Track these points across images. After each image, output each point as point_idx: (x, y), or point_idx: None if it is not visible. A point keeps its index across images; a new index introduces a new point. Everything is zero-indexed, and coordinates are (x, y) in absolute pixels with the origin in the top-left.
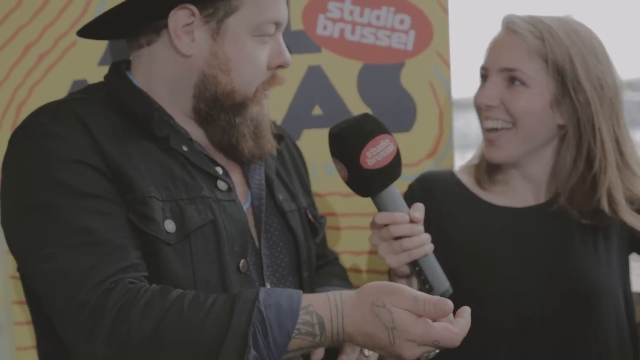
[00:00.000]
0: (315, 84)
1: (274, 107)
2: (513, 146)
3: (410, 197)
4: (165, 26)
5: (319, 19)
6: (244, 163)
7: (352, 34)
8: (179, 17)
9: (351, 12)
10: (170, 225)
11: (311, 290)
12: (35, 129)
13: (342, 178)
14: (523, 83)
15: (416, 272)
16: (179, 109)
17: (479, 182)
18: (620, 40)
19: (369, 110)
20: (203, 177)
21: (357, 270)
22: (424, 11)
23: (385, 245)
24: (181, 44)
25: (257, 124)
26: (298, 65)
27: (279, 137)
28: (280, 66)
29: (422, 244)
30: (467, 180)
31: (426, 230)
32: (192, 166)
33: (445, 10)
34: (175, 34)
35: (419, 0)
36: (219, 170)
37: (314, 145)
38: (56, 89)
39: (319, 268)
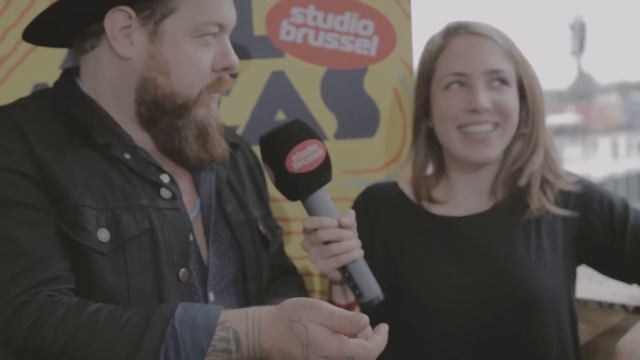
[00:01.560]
0: (279, 89)
1: (237, 112)
2: (500, 144)
3: (356, 208)
4: (104, 30)
5: (282, 24)
6: (194, 169)
7: (316, 40)
8: (115, 20)
9: (314, 18)
10: (103, 235)
11: (259, 302)
12: None
13: (272, 182)
14: (506, 83)
15: (346, 277)
16: (124, 113)
17: (421, 194)
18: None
19: (332, 116)
20: (144, 185)
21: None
22: (387, 17)
23: (315, 250)
24: (119, 47)
25: (202, 128)
26: (261, 70)
27: (234, 145)
28: (226, 69)
29: (351, 249)
30: (410, 192)
31: (371, 243)
32: (133, 174)
33: (408, 16)
34: (112, 36)
35: (383, 7)
36: (165, 178)
37: None
38: (17, 92)
39: (275, 278)
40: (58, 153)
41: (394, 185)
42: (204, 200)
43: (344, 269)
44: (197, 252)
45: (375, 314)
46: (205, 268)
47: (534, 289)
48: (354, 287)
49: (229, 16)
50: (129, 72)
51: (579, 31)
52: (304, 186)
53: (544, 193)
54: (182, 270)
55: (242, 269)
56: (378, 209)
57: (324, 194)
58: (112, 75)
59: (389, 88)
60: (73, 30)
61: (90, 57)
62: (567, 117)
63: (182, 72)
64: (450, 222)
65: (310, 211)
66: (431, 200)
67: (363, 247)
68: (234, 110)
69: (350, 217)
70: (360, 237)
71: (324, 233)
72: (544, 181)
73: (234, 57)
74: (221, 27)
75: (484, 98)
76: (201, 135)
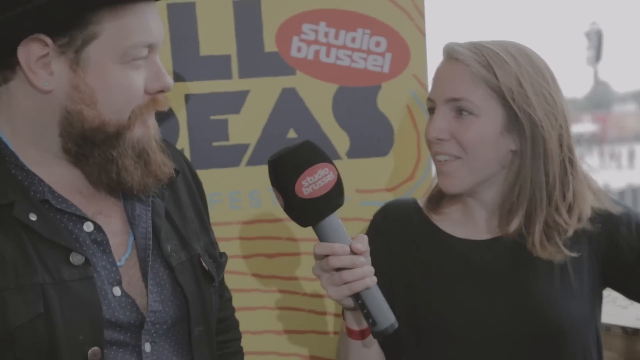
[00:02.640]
0: (290, 107)
1: (247, 131)
2: (463, 174)
3: (374, 228)
4: (19, 61)
5: (293, 41)
6: (124, 197)
7: (327, 56)
8: (30, 50)
9: (326, 34)
10: None
11: (206, 345)
12: None
13: (281, 207)
14: (471, 112)
15: (359, 305)
16: (47, 151)
17: (437, 212)
18: None
19: (345, 134)
20: (50, 252)
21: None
22: (400, 33)
23: (327, 277)
24: (37, 79)
25: (141, 149)
26: (272, 87)
27: (175, 171)
28: (161, 91)
29: (364, 276)
30: (428, 209)
31: (388, 262)
32: (39, 238)
33: (422, 32)
34: (29, 68)
35: (396, 23)
36: (89, 227)
37: None
38: None
39: (217, 334)
40: None
41: (413, 203)
42: (139, 242)
43: (356, 296)
44: (130, 302)
45: (392, 340)
46: (140, 318)
47: (559, 317)
48: (367, 315)
49: (158, 35)
50: (49, 106)
51: (595, 39)
52: (314, 212)
53: (551, 239)
54: (92, 349)
55: (185, 313)
56: (397, 228)
57: (336, 219)
58: (30, 111)
59: (402, 106)
60: None
61: (4, 91)
62: (584, 127)
63: (111, 99)
64: (471, 245)
65: (321, 237)
66: (449, 220)
67: (382, 267)
68: (244, 128)
69: (363, 243)
70: (379, 256)
71: (335, 260)
72: (549, 227)
73: (167, 78)
74: (151, 47)
75: (438, 127)
76: (141, 158)
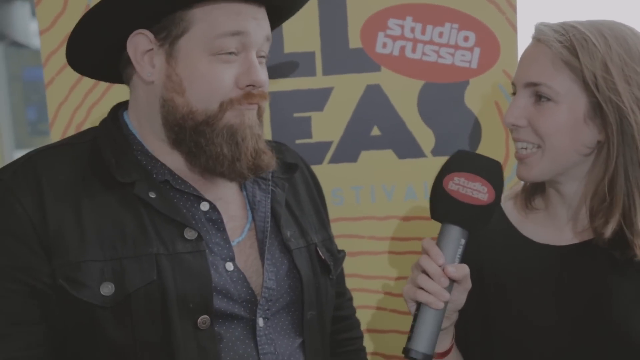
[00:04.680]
0: (374, 104)
1: (330, 127)
2: (542, 165)
3: None
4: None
5: (378, 37)
6: (243, 181)
7: (413, 52)
8: (137, 44)
9: (412, 29)
10: (107, 289)
11: (318, 331)
12: None
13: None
14: (550, 99)
15: (414, 315)
16: (161, 140)
17: (519, 209)
18: None
19: (430, 132)
20: (167, 227)
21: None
22: (490, 27)
23: (414, 274)
24: (143, 71)
25: (231, 134)
26: (356, 84)
27: (293, 166)
28: (252, 85)
29: (435, 293)
30: (510, 209)
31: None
32: (157, 214)
33: (513, 26)
34: (135, 61)
35: (485, 16)
36: (204, 206)
37: (372, 167)
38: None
39: (338, 332)
40: (72, 201)
41: None
42: (258, 224)
43: (418, 306)
44: (242, 277)
45: (464, 349)
46: (252, 294)
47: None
48: (411, 329)
49: (249, 27)
50: (153, 96)
51: None
52: (442, 209)
53: None
54: (202, 317)
55: (299, 296)
56: None
57: (457, 235)
58: (143, 102)
59: (491, 102)
60: (107, 59)
61: (132, 85)
62: None
63: (197, 88)
64: (551, 252)
65: (439, 238)
66: (533, 220)
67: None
68: (327, 126)
69: (458, 272)
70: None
71: (425, 261)
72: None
73: (259, 74)
74: (244, 43)
75: (515, 114)
76: (231, 143)
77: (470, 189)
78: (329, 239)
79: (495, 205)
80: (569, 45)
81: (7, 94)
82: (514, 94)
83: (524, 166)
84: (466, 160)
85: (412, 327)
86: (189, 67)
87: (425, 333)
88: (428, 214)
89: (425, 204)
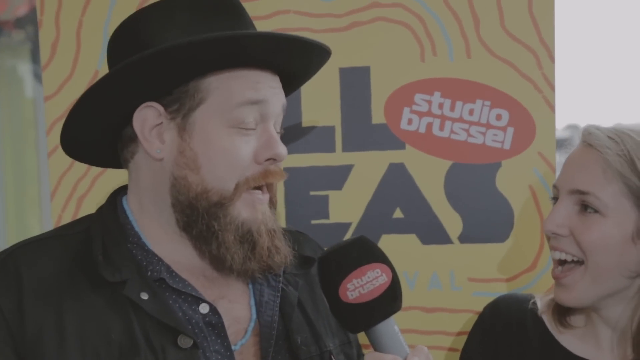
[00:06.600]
0: (397, 184)
1: (349, 208)
2: (583, 286)
3: (481, 324)
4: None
5: (403, 112)
6: (251, 279)
7: (441, 130)
8: (145, 118)
9: (440, 105)
10: None
11: None
12: None
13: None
14: (597, 210)
15: None
16: (168, 227)
17: (559, 320)
18: None
19: (457, 216)
20: (159, 332)
21: None
22: (525, 106)
23: None
24: (151, 147)
25: (246, 231)
26: (378, 161)
27: (309, 259)
28: (272, 159)
29: None
30: (547, 313)
31: None
32: (148, 318)
33: (551, 106)
34: (143, 136)
35: (520, 94)
36: (204, 308)
37: (393, 253)
38: (117, 181)
39: None
40: (55, 302)
41: (530, 303)
42: (263, 329)
43: None
44: None
45: None
46: None
47: None
48: None
49: (268, 95)
50: (162, 174)
51: None
52: (361, 318)
53: None
54: None
55: None
56: (507, 331)
57: (390, 327)
58: (149, 182)
59: (524, 186)
60: (108, 138)
61: (132, 166)
62: None
63: (214, 164)
64: None
65: (374, 344)
66: (570, 333)
67: None
68: (346, 206)
69: (420, 357)
70: (483, 357)
71: None
72: None
73: (280, 147)
74: (262, 115)
75: (557, 221)
76: (245, 240)
77: (369, 282)
78: (347, 343)
79: (395, 273)
80: (625, 155)
81: None
82: (554, 198)
83: (562, 289)
84: (339, 261)
85: None
86: (206, 141)
87: None
88: (453, 305)
89: (451, 294)
